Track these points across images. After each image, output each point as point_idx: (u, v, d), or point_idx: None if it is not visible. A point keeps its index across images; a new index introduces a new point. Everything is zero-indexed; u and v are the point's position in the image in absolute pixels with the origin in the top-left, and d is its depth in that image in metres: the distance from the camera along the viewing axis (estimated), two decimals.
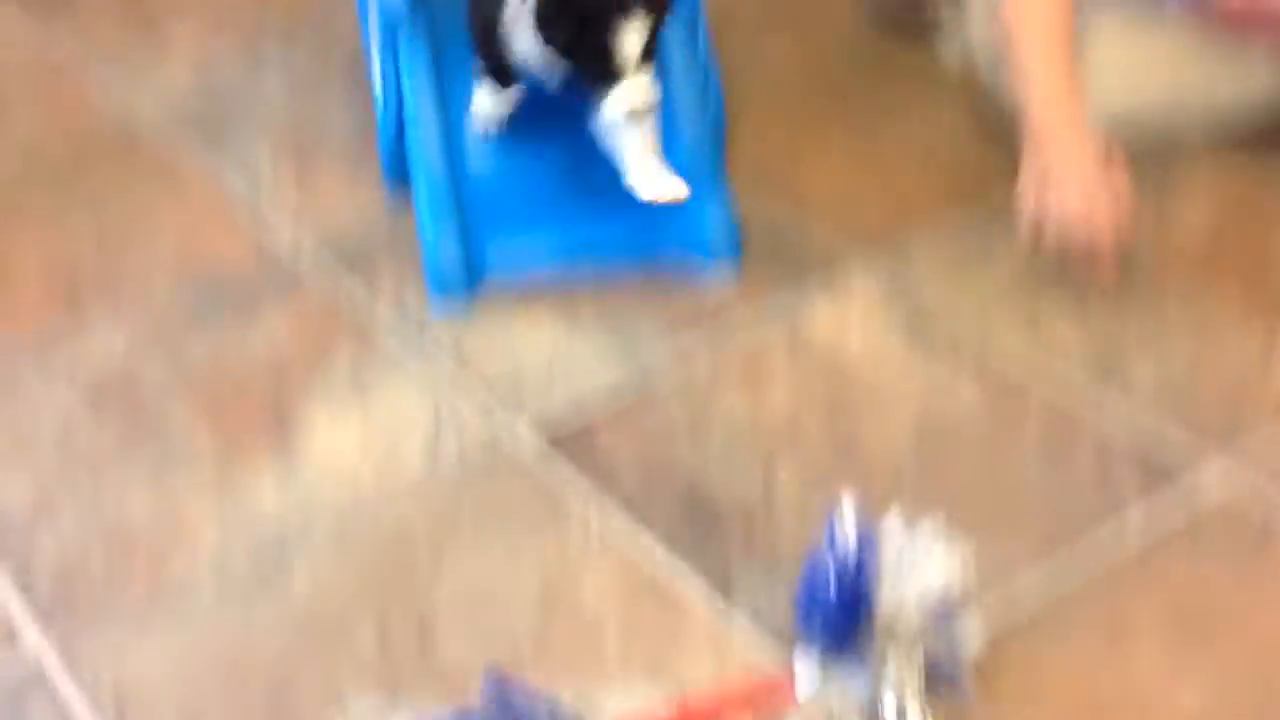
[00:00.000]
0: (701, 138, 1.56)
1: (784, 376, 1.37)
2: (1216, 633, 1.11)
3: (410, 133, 1.55)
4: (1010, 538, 1.19)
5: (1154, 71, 1.58)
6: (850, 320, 1.43)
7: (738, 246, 1.53)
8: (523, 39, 1.33)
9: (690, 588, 1.16)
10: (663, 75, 1.49)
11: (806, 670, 1.04)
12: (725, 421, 1.32)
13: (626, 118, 1.31)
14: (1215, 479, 1.23)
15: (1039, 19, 1.51)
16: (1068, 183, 1.42)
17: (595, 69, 1.29)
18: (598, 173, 1.48)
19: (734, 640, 1.12)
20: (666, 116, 1.51)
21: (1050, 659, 1.09)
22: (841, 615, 1.00)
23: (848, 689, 1.02)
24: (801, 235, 1.54)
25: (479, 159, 1.56)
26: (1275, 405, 1.30)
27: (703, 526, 1.22)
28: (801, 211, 1.58)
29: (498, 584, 1.18)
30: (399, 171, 1.57)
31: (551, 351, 1.41)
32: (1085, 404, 1.32)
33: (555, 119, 1.51)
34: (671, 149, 1.50)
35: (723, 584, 1.16)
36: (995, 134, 1.56)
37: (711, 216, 1.52)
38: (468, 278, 1.49)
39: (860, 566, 1.01)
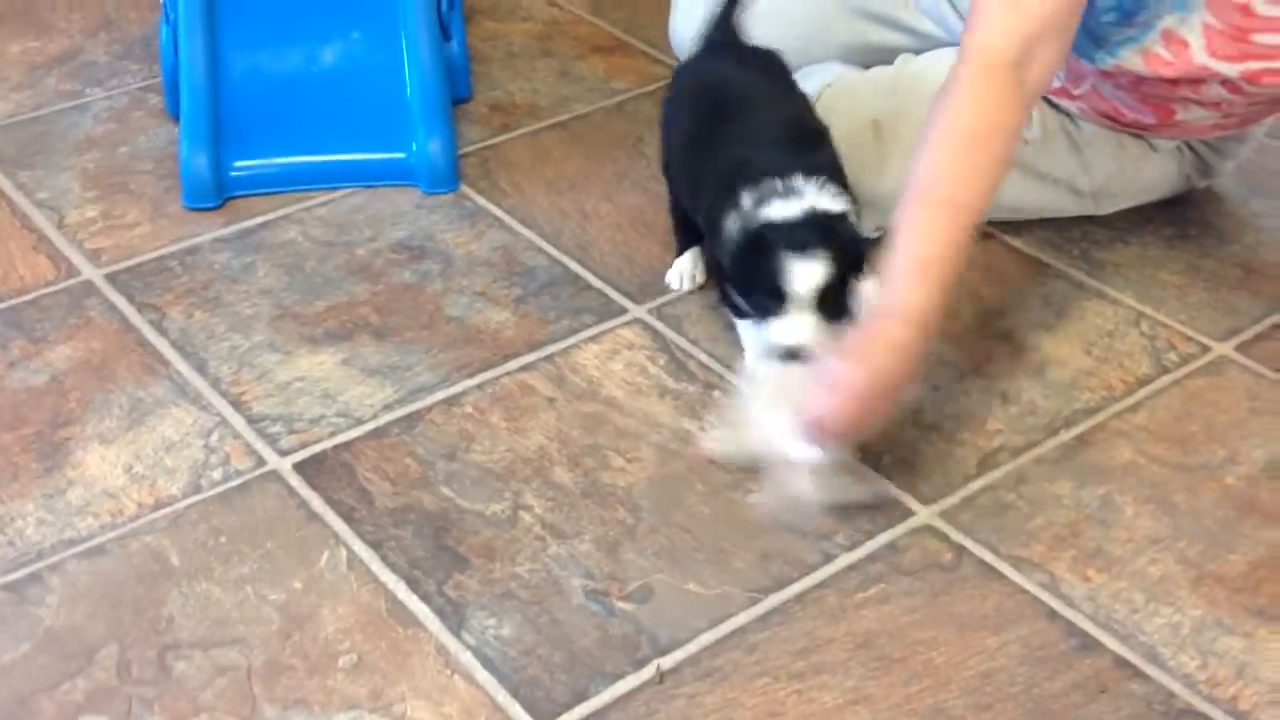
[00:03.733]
0: (435, 70, 1.82)
1: (545, 413, 1.45)
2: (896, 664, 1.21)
3: (181, 70, 1.80)
4: (728, 575, 1.28)
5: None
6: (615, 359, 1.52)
7: (456, 179, 1.80)
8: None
9: (424, 624, 1.23)
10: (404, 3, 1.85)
11: None
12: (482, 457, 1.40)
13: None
14: (919, 525, 1.33)
15: (959, 175, 1.34)
16: (856, 376, 1.28)
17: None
18: (337, 110, 1.81)
19: (456, 677, 1.19)
20: (406, 46, 1.83)
21: (752, 686, 1.18)
22: None
23: None
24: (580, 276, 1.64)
25: (235, 94, 1.81)
26: (979, 459, 1.41)
27: (444, 565, 1.29)
28: (583, 253, 1.67)
29: (240, 613, 1.24)
30: (177, 106, 1.84)
31: (325, 385, 1.48)
32: None
33: (311, 64, 1.84)
34: (405, 80, 1.83)
35: (455, 623, 1.23)
36: None
37: (434, 152, 1.77)
38: (216, 191, 1.76)
39: None
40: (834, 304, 1.36)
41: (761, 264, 1.36)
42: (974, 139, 1.35)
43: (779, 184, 1.39)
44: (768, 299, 1.37)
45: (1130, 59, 1.50)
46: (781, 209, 1.37)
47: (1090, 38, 1.52)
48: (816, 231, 1.36)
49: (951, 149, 1.35)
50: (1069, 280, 1.65)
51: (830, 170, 1.43)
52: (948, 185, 1.33)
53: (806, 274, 1.34)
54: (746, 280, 1.40)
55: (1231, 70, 1.47)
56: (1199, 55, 1.47)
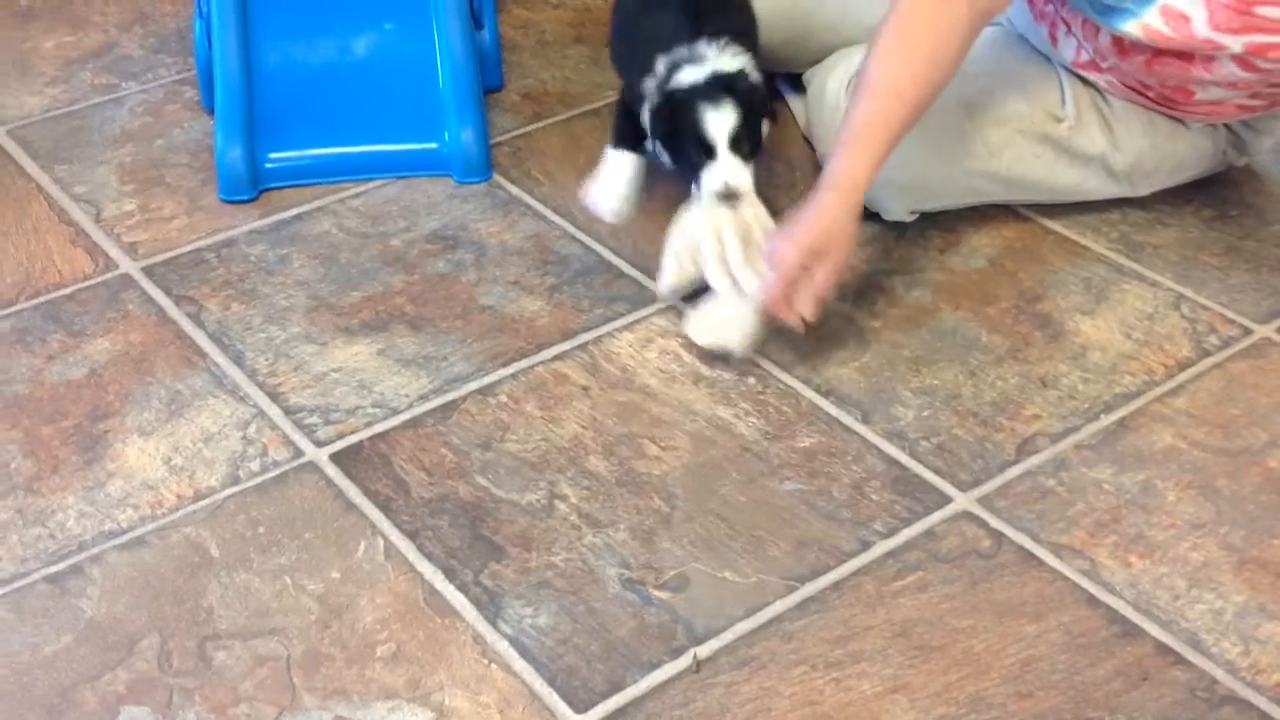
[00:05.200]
0: (467, 60, 1.82)
1: (580, 402, 1.45)
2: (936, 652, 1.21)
3: (215, 64, 1.81)
4: (764, 563, 1.28)
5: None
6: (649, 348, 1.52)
7: (489, 169, 1.80)
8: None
9: (461, 613, 1.24)
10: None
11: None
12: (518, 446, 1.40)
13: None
14: (957, 512, 1.33)
15: (886, 67, 1.45)
16: (809, 233, 1.42)
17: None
18: (370, 102, 1.82)
19: (494, 667, 1.19)
20: (438, 36, 1.83)
21: (789, 674, 1.18)
22: None
23: None
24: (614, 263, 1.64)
25: (269, 86, 1.81)
26: (1018, 445, 1.40)
27: (480, 555, 1.29)
28: (617, 241, 1.67)
29: (279, 603, 1.24)
30: (212, 99, 1.84)
31: (361, 376, 1.48)
32: (850, 440, 1.40)
33: (343, 55, 1.85)
34: (438, 71, 1.83)
35: (492, 613, 1.24)
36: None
37: (467, 142, 1.78)
38: (251, 184, 1.76)
39: None
40: (748, 147, 1.56)
41: (683, 122, 1.55)
42: (906, 39, 1.45)
43: (685, 51, 1.58)
44: (694, 150, 1.55)
45: (1131, 30, 1.48)
46: (691, 74, 1.57)
47: (1095, 8, 1.51)
48: (723, 88, 1.56)
49: (899, 55, 1.45)
50: (1108, 263, 1.63)
51: (733, 34, 1.61)
52: (894, 82, 1.44)
53: (721, 122, 1.53)
54: (671, 138, 1.59)
55: (1235, 43, 1.45)
56: (1201, 29, 1.45)
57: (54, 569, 1.28)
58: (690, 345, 1.51)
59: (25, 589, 1.26)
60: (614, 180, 1.71)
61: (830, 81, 1.68)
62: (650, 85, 1.61)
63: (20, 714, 1.16)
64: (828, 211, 1.43)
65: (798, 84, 1.83)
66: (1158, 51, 1.50)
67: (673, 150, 1.61)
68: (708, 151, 1.55)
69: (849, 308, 1.55)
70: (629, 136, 1.70)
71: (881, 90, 1.44)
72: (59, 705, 1.16)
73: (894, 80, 1.44)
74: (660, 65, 1.60)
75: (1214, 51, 1.47)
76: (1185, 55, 1.49)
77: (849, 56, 1.68)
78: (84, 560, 1.28)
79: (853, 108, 1.46)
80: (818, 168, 1.71)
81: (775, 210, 1.64)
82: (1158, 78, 1.54)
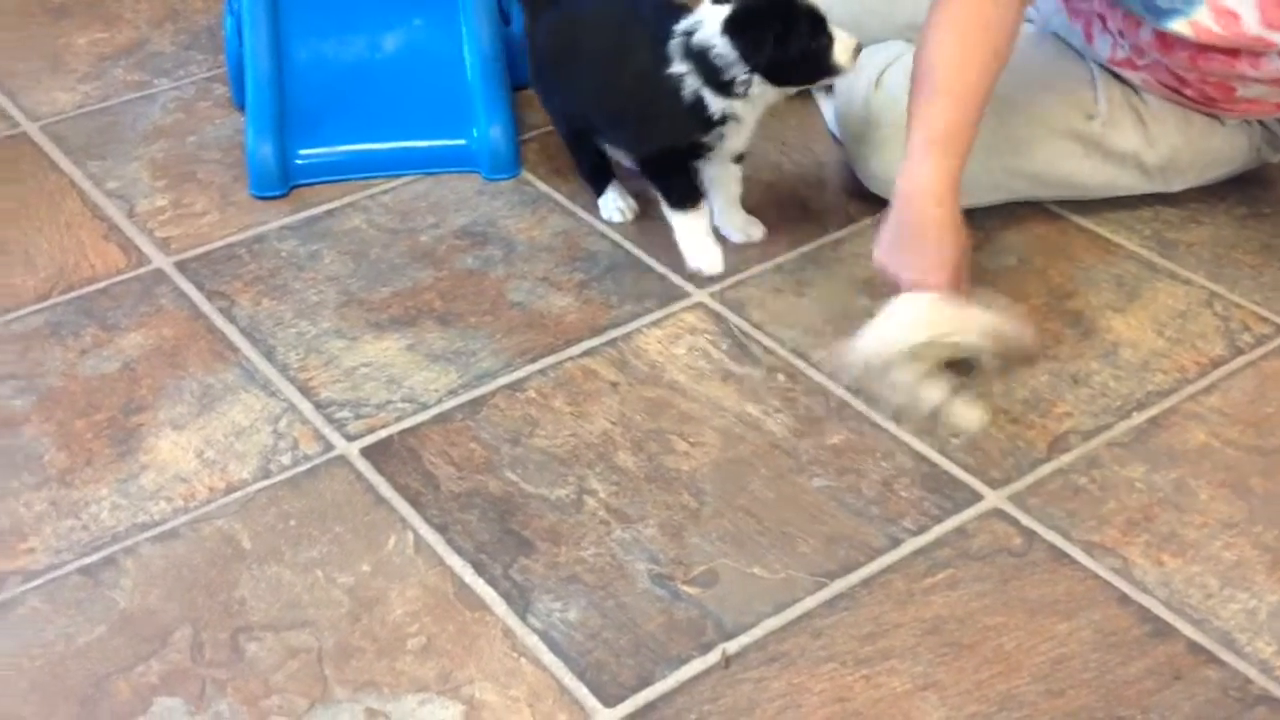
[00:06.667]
0: (496, 56, 1.83)
1: (609, 398, 1.45)
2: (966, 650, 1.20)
3: (246, 60, 1.83)
4: (793, 560, 1.28)
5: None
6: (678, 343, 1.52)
7: (517, 165, 1.80)
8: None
9: (491, 607, 1.24)
10: None
11: None
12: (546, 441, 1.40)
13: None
14: (988, 509, 1.32)
15: (952, 65, 1.44)
16: (913, 255, 1.42)
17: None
18: (399, 98, 1.83)
19: (523, 660, 1.19)
20: (466, 32, 1.84)
21: (818, 671, 1.18)
22: None
23: None
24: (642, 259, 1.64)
25: (299, 83, 1.83)
26: (1050, 442, 1.39)
27: (509, 549, 1.30)
28: (645, 237, 1.67)
29: (310, 595, 1.25)
30: (243, 96, 1.86)
31: (391, 371, 1.49)
32: (879, 437, 1.40)
33: (373, 52, 1.86)
34: (466, 67, 1.83)
35: (521, 607, 1.24)
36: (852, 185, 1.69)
37: (496, 138, 1.78)
38: (282, 180, 1.77)
39: None
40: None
41: (794, 28, 1.47)
42: (965, 35, 1.44)
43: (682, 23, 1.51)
44: (811, 46, 1.47)
45: (1179, 28, 1.48)
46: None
47: (1145, 6, 1.50)
48: None
49: (944, 44, 1.44)
50: (1140, 261, 1.63)
51: None
52: (943, 78, 1.43)
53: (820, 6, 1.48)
54: (784, 54, 1.47)
55: None
56: (1252, 26, 1.44)
57: (87, 560, 1.29)
58: (718, 342, 1.51)
59: (59, 580, 1.27)
60: (702, 233, 1.60)
61: (860, 80, 1.67)
62: (677, 49, 1.51)
63: (54, 704, 1.17)
64: (948, 235, 1.41)
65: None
66: (1203, 46, 1.49)
67: (788, 68, 1.49)
68: (822, 35, 1.48)
69: (878, 305, 1.55)
70: (693, 187, 1.58)
71: (957, 92, 1.42)
72: (92, 695, 1.17)
73: (967, 82, 1.42)
74: (678, 42, 1.51)
75: (1264, 49, 1.46)
76: (1231, 51, 1.48)
77: (877, 54, 1.68)
78: (117, 552, 1.29)
79: (929, 109, 1.43)
80: (845, 166, 1.72)
81: (807, 210, 1.66)
82: (1201, 73, 1.53)
